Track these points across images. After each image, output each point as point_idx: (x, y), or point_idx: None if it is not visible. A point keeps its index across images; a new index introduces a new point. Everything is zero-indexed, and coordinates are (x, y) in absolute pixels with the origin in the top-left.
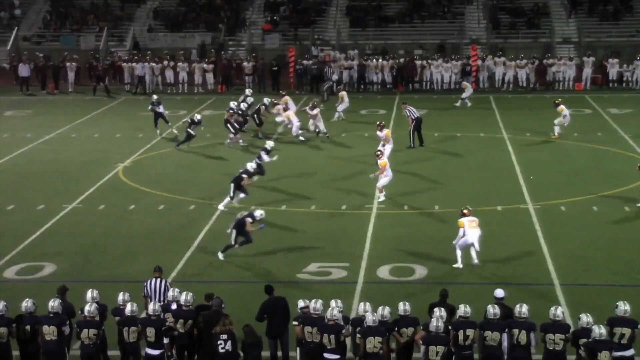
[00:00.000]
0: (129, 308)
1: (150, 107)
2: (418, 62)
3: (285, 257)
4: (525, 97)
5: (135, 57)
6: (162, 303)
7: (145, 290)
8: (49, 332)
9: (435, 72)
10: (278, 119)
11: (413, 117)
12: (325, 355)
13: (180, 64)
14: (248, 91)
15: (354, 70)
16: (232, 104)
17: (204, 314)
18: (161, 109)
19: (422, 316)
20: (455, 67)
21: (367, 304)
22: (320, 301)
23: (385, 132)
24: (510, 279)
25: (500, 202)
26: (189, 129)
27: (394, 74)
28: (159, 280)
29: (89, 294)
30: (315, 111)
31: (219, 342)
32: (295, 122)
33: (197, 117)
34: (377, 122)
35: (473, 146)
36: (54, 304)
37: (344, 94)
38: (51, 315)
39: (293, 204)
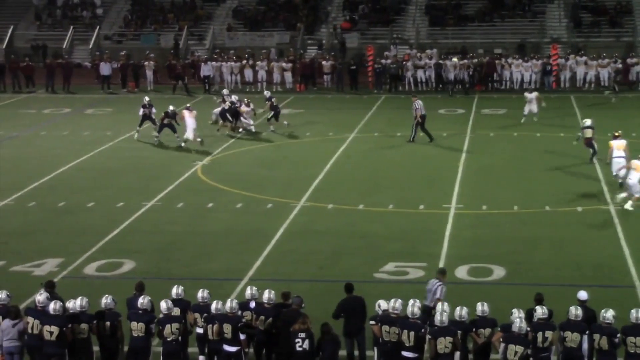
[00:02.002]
0: (214, 306)
1: (142, 110)
2: (498, 62)
3: (362, 257)
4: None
5: (215, 56)
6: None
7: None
8: (137, 328)
9: (515, 72)
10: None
11: (421, 113)
12: (404, 353)
13: (259, 62)
14: (225, 91)
15: (431, 70)
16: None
17: (284, 311)
18: (153, 111)
19: (499, 317)
20: (535, 66)
21: (445, 304)
22: (399, 301)
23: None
24: (591, 280)
25: (580, 203)
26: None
27: (471, 73)
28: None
29: (174, 289)
30: (248, 108)
31: (296, 340)
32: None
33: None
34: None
35: (553, 146)
36: (143, 301)
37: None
38: (140, 312)
39: (370, 203)
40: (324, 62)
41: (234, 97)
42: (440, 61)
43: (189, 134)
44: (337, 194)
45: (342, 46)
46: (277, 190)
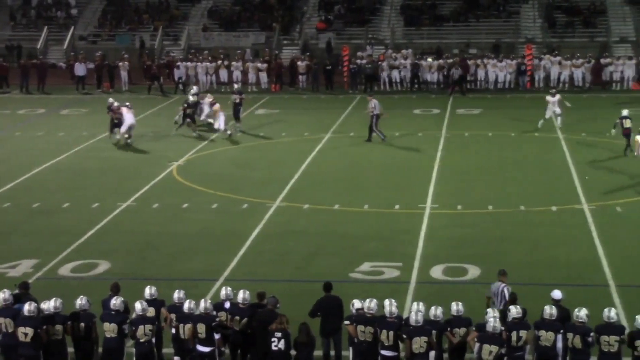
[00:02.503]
0: (186, 305)
1: (108, 111)
2: (471, 62)
3: (338, 257)
4: (581, 97)
5: (190, 57)
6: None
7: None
8: (110, 329)
9: (490, 72)
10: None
11: (375, 113)
12: (383, 352)
13: (234, 63)
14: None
15: (406, 70)
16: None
17: (259, 312)
18: (122, 109)
19: (474, 317)
20: (510, 66)
21: (421, 303)
22: (374, 300)
23: None
24: (565, 280)
25: (555, 202)
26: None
27: (445, 73)
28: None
29: (147, 290)
30: (217, 106)
31: (272, 340)
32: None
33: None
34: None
35: (527, 146)
36: (116, 302)
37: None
38: (112, 312)
39: (346, 203)
40: (299, 63)
41: (193, 92)
42: (417, 61)
43: (124, 129)
44: (313, 194)
45: (328, 46)
46: (253, 190)
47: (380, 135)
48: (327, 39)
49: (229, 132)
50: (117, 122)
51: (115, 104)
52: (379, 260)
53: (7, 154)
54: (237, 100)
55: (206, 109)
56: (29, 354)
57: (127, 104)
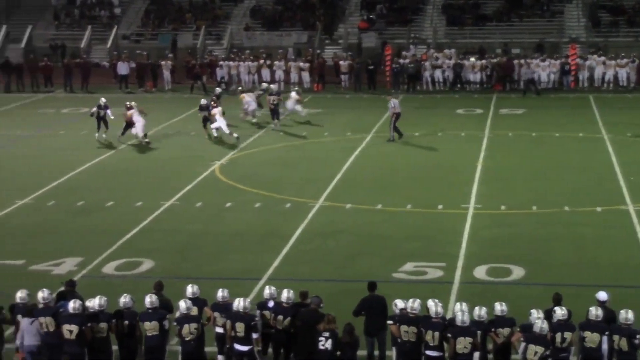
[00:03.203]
0: (237, 304)
1: (95, 109)
2: (515, 62)
3: (380, 257)
4: (626, 97)
5: (232, 56)
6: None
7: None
8: (151, 327)
9: (533, 72)
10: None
11: (396, 111)
12: (427, 352)
13: (276, 62)
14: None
15: (450, 69)
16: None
17: (302, 311)
18: (108, 113)
19: (518, 318)
20: (554, 66)
21: (464, 304)
22: (418, 301)
23: None
24: (610, 281)
25: (599, 203)
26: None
27: (489, 73)
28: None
29: (189, 288)
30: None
31: (320, 339)
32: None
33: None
34: None
35: (572, 146)
36: (151, 299)
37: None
38: (150, 311)
39: (388, 203)
40: (341, 62)
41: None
42: (459, 61)
43: (140, 131)
44: (355, 193)
45: (358, 47)
46: (296, 189)
47: (392, 135)
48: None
49: (215, 135)
50: (101, 120)
51: (203, 101)
52: (422, 260)
53: (52, 153)
54: (275, 102)
55: (252, 106)
56: (74, 351)
57: (133, 103)
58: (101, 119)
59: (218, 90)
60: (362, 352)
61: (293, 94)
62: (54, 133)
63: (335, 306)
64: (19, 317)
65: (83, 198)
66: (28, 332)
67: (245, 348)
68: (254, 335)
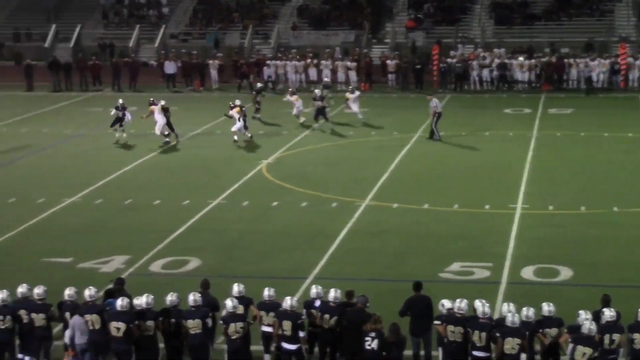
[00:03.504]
0: (285, 302)
1: (114, 110)
2: (565, 61)
3: (427, 256)
4: None
5: (279, 55)
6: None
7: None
8: (194, 325)
9: (582, 71)
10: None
11: (438, 110)
12: (474, 353)
13: (323, 61)
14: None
15: (496, 69)
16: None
17: (348, 310)
18: (127, 115)
19: (565, 319)
20: (603, 65)
21: (512, 304)
22: (465, 301)
23: None
24: None
25: None
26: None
27: (538, 72)
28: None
29: (235, 287)
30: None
31: (366, 339)
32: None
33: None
34: None
35: (621, 146)
36: (195, 297)
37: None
38: (193, 309)
39: (435, 202)
40: (388, 62)
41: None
42: (506, 60)
43: (157, 130)
44: (402, 193)
45: (412, 47)
46: (342, 189)
47: (437, 135)
48: (414, 40)
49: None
50: (118, 121)
51: (238, 101)
52: (469, 260)
53: (100, 151)
54: (320, 106)
55: (296, 109)
56: (121, 348)
57: (153, 100)
58: (119, 120)
59: (259, 85)
60: (407, 352)
61: (354, 95)
62: (102, 132)
63: (381, 306)
64: (68, 314)
65: (131, 196)
66: (79, 329)
67: (293, 347)
68: (301, 334)
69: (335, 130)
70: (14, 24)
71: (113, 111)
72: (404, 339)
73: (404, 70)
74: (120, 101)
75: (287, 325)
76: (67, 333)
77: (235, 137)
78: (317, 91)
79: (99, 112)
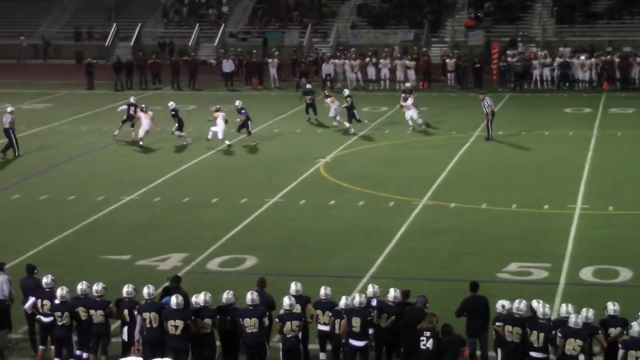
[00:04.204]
0: (343, 301)
1: (126, 106)
2: (631, 60)
3: (484, 256)
4: None
5: (338, 54)
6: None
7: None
8: (251, 324)
9: None
10: None
11: (491, 110)
12: (532, 353)
13: (382, 60)
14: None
15: (559, 68)
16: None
17: (407, 310)
18: (143, 120)
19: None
20: None
21: (570, 305)
22: (524, 301)
23: None
24: None
25: None
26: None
27: (599, 71)
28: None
29: (293, 286)
30: (409, 102)
31: (421, 339)
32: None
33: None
34: None
35: None
36: (252, 296)
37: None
38: (250, 307)
39: (493, 202)
40: (447, 60)
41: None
42: (568, 59)
43: (141, 134)
44: (459, 192)
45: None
46: (399, 188)
47: (491, 134)
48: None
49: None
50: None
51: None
52: (527, 261)
53: (157, 149)
54: (309, 100)
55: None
56: (178, 346)
57: (143, 106)
58: (130, 118)
59: (307, 86)
60: None
61: (407, 102)
62: (161, 130)
63: (438, 306)
64: (126, 311)
65: (188, 194)
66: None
67: (361, 343)
68: (370, 331)
69: (392, 129)
70: (75, 23)
71: (125, 107)
72: (459, 337)
73: (463, 69)
74: (132, 99)
75: (356, 321)
76: (126, 330)
77: (209, 137)
78: (309, 86)
79: (159, 110)
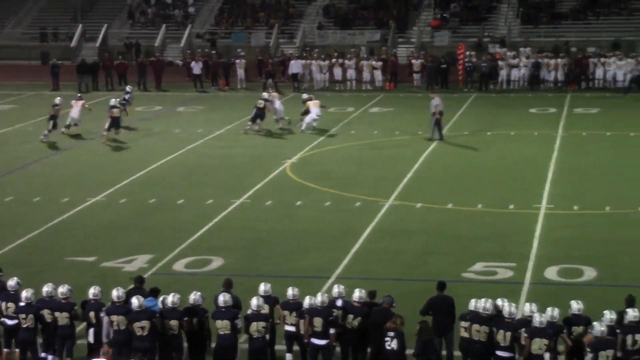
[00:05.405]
0: (307, 301)
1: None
2: (591, 60)
3: (450, 256)
4: None
5: (305, 54)
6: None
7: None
8: (223, 326)
9: (609, 70)
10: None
11: (439, 110)
12: (498, 352)
13: (347, 61)
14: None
15: (526, 68)
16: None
17: (374, 310)
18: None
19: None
20: (629, 64)
21: (534, 304)
22: (490, 301)
23: None
24: None
25: None
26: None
27: (566, 71)
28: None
29: (262, 286)
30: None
31: (386, 339)
32: None
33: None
34: None
35: None
36: (224, 298)
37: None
38: (223, 309)
39: (459, 202)
40: (413, 61)
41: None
42: (538, 60)
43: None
44: (426, 192)
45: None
46: (366, 188)
47: (433, 134)
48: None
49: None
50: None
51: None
52: (493, 261)
53: (124, 151)
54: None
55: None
56: (145, 347)
57: (79, 95)
58: (53, 118)
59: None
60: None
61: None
62: (126, 131)
63: (404, 306)
64: (92, 313)
65: (154, 196)
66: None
67: (322, 342)
68: (331, 331)
69: (358, 130)
70: (40, 23)
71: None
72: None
73: (429, 70)
74: (58, 99)
75: (318, 321)
76: (92, 332)
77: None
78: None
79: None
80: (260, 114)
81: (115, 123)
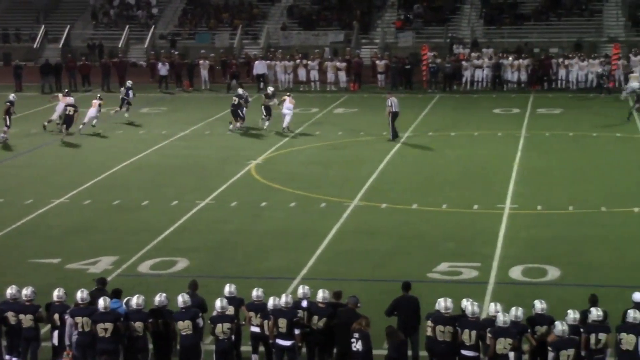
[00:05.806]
0: (271, 302)
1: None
2: (554, 61)
3: (415, 257)
4: None
5: (269, 55)
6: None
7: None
8: (185, 326)
9: (571, 71)
10: None
11: (393, 110)
12: (463, 352)
13: (310, 62)
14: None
15: (489, 69)
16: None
17: (339, 311)
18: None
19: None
20: (592, 65)
21: (499, 304)
22: (450, 300)
23: None
24: None
25: (637, 203)
26: None
27: (530, 72)
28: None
29: (227, 287)
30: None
31: (352, 340)
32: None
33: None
34: None
35: (609, 146)
36: (184, 298)
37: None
38: (183, 310)
39: (424, 203)
40: (377, 62)
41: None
42: (502, 61)
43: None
44: (390, 193)
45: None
46: (331, 189)
47: (392, 134)
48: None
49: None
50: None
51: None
52: (457, 261)
53: (88, 152)
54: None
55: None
56: (109, 348)
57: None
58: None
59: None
60: (379, 352)
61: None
62: (90, 133)
63: (370, 306)
64: (57, 315)
65: (119, 197)
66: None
67: (287, 343)
68: (296, 331)
69: (323, 131)
70: (2, 24)
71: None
72: (405, 339)
73: (393, 71)
74: (12, 96)
75: (282, 322)
76: (56, 334)
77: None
78: (242, 90)
79: (88, 112)
80: (234, 110)
81: (69, 122)
